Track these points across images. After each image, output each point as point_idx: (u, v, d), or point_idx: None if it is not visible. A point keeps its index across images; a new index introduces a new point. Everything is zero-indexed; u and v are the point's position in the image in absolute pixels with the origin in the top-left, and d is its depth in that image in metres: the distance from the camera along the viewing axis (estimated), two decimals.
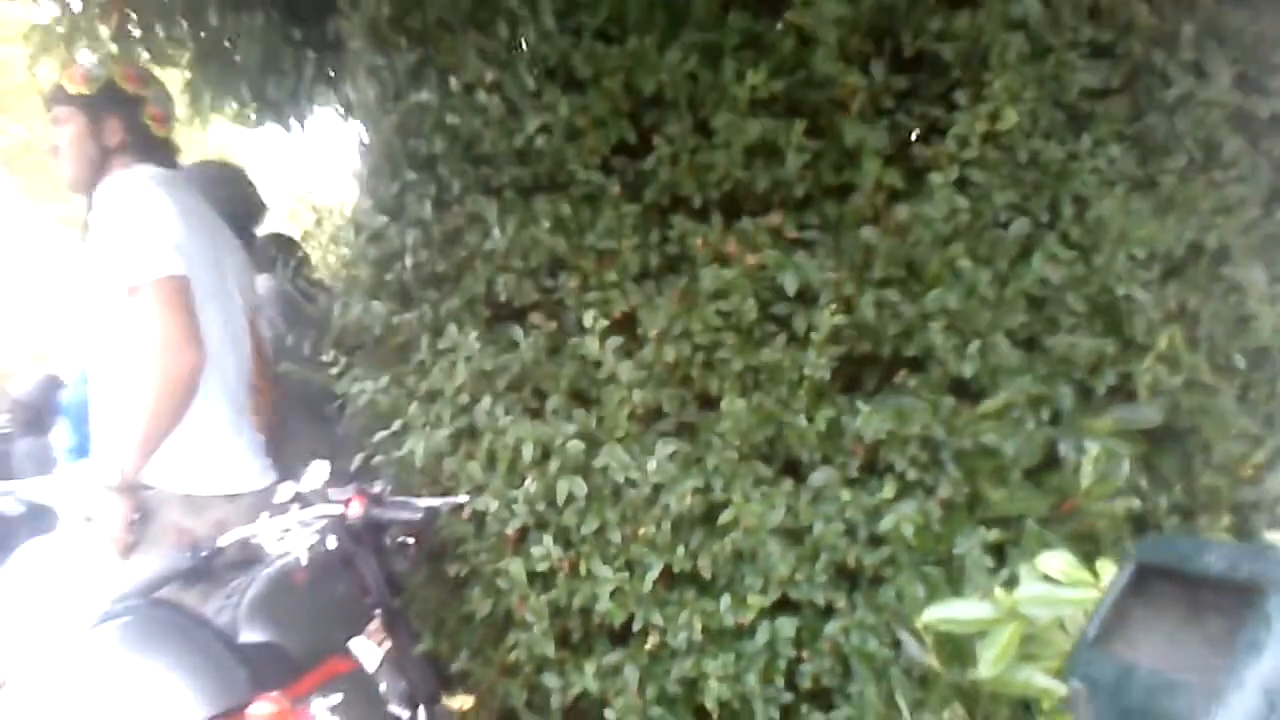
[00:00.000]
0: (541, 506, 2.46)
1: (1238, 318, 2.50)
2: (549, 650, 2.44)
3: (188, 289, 2.45)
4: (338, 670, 2.13)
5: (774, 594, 2.33)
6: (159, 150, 2.68)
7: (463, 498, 2.46)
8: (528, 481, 2.45)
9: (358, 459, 2.75)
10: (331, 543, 2.22)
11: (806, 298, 2.44)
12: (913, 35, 2.51)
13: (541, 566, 2.44)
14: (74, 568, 2.87)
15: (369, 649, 2.39)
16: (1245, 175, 2.57)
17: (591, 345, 2.43)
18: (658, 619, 2.38)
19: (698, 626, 2.34)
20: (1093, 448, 2.27)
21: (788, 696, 2.33)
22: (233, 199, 3.41)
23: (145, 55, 4.38)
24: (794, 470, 2.46)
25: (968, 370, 2.33)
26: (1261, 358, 2.53)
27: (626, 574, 2.40)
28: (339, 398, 2.83)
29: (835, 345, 2.37)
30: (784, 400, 2.40)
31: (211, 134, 5.77)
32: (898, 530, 2.26)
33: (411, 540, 2.44)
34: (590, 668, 2.42)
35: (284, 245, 3.72)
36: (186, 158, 3.02)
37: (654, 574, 2.37)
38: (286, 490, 2.37)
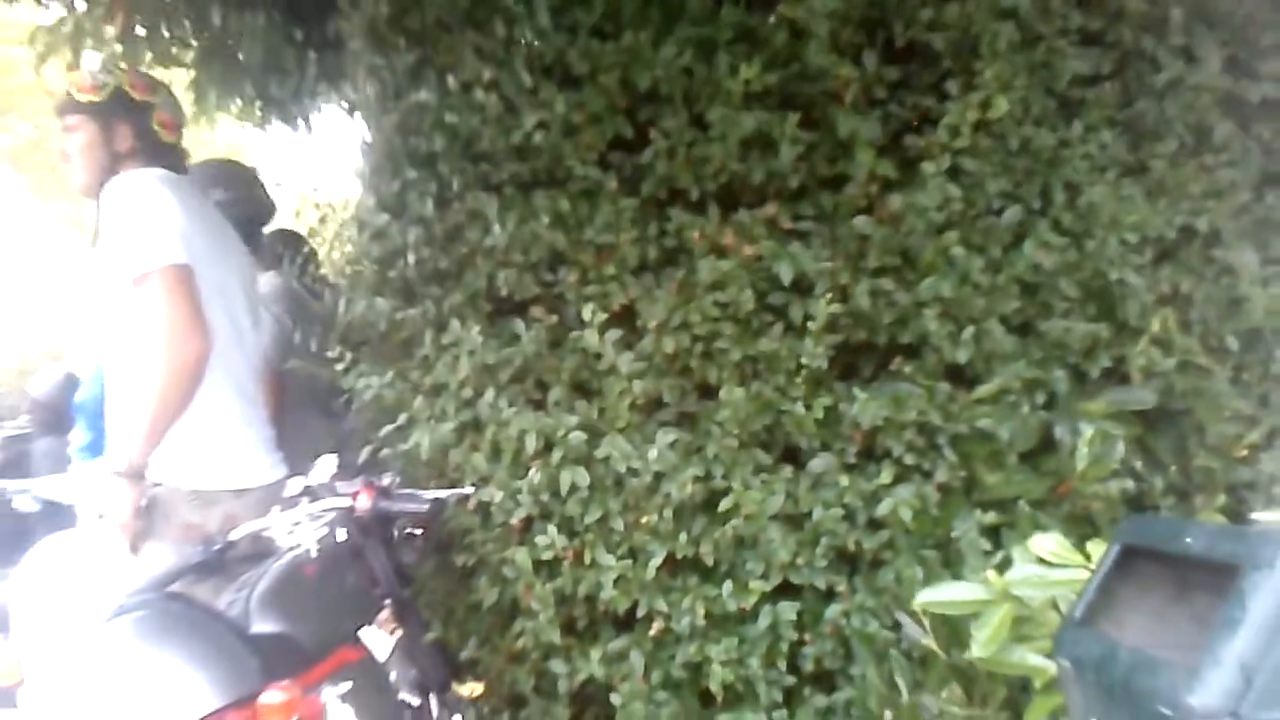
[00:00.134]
0: (545, 496, 2.48)
1: (1230, 300, 2.53)
2: (555, 637, 2.47)
3: (192, 278, 2.49)
4: (348, 659, 2.16)
5: (775, 579, 2.36)
6: (167, 155, 2.72)
7: (468, 489, 2.48)
8: (531, 472, 2.47)
9: (365, 452, 2.78)
10: (341, 535, 2.25)
11: (803, 287, 2.47)
12: (904, 26, 2.53)
13: (546, 555, 2.46)
14: (89, 564, 2.90)
15: (381, 638, 2.42)
16: (1236, 159, 2.59)
17: (592, 338, 2.45)
18: (661, 605, 2.40)
19: (701, 612, 2.36)
20: (1087, 430, 2.29)
21: (790, 679, 2.37)
22: (242, 199, 3.44)
23: (149, 55, 4.42)
24: (793, 457, 2.48)
25: (962, 356, 2.36)
26: (1254, 339, 2.55)
27: (630, 561, 2.43)
28: (345, 393, 2.87)
29: (832, 334, 2.39)
30: (782, 388, 2.42)
31: (219, 132, 5.80)
32: (896, 514, 2.29)
33: (419, 531, 2.47)
34: (596, 654, 2.45)
35: (290, 242, 3.74)
36: (195, 155, 3.05)
37: (657, 561, 2.40)
38: (295, 484, 2.41)
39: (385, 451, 2.73)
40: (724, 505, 2.36)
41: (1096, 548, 1.63)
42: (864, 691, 2.25)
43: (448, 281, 2.75)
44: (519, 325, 2.61)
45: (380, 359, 2.83)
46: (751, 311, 2.45)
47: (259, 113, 4.81)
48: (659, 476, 2.41)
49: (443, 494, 2.36)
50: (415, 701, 2.38)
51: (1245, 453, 2.48)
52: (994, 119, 2.39)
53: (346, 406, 3.11)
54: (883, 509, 2.31)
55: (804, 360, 2.37)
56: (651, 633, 2.44)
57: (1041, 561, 1.61)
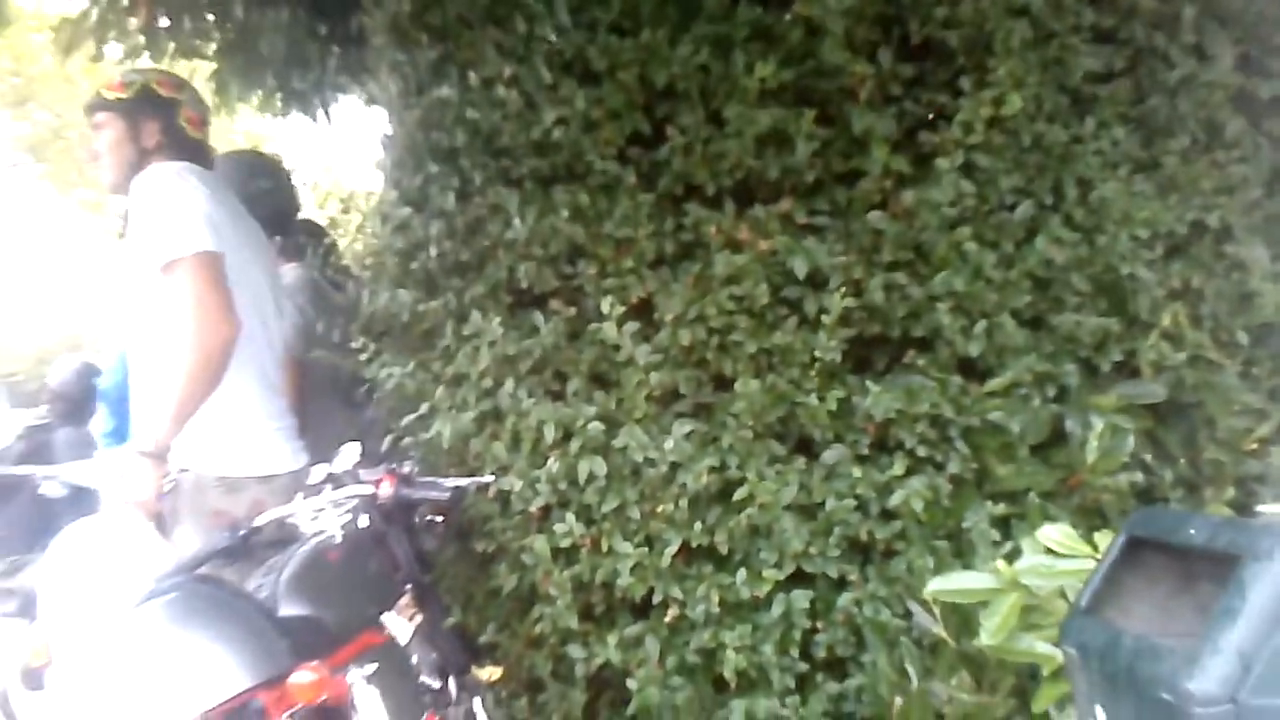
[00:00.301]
0: (564, 485, 2.50)
1: (1240, 295, 2.54)
2: (573, 623, 2.49)
3: (221, 265, 2.54)
4: (372, 642, 2.21)
5: (789, 567, 2.38)
6: (194, 150, 2.77)
7: (488, 478, 2.50)
8: (550, 461, 2.49)
9: (387, 441, 2.82)
10: (363, 521, 2.29)
11: (817, 281, 2.48)
12: (919, 23, 2.55)
13: (564, 543, 2.48)
14: (115, 548, 2.95)
15: (400, 624, 2.46)
16: (1247, 156, 2.61)
17: (610, 330, 2.47)
18: (677, 592, 2.42)
19: (715, 599, 2.38)
20: (1098, 423, 2.31)
21: (803, 666, 2.38)
22: (270, 191, 3.48)
23: (172, 47, 4.47)
24: (807, 448, 2.50)
25: (975, 350, 2.38)
26: (1264, 334, 2.57)
27: (646, 549, 2.44)
28: (366, 382, 2.90)
29: (845, 327, 2.41)
30: (796, 381, 2.44)
31: (238, 122, 5.85)
32: (908, 505, 2.31)
33: (440, 519, 2.50)
34: (612, 639, 2.47)
35: (312, 233, 3.77)
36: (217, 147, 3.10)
37: (672, 549, 2.42)
38: (319, 471, 2.43)
39: (407, 440, 2.76)
40: (739, 495, 2.37)
41: (1104, 539, 1.63)
42: (875, 678, 2.27)
43: (469, 274, 2.77)
44: (538, 317, 2.63)
45: (402, 349, 2.85)
46: (766, 305, 2.47)
47: (279, 104, 4.86)
48: (675, 466, 2.43)
49: (463, 482, 2.38)
50: (435, 684, 2.41)
51: (1255, 446, 2.48)
52: (1007, 115, 2.40)
53: (368, 396, 3.15)
54: (895, 500, 2.32)
55: (818, 353, 2.39)
56: (667, 619, 2.45)
57: (1050, 552, 1.63)
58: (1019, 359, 2.38)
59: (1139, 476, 2.34)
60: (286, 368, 2.99)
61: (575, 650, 2.52)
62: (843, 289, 2.37)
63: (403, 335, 2.89)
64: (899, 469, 2.35)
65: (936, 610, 1.97)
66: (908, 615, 2.26)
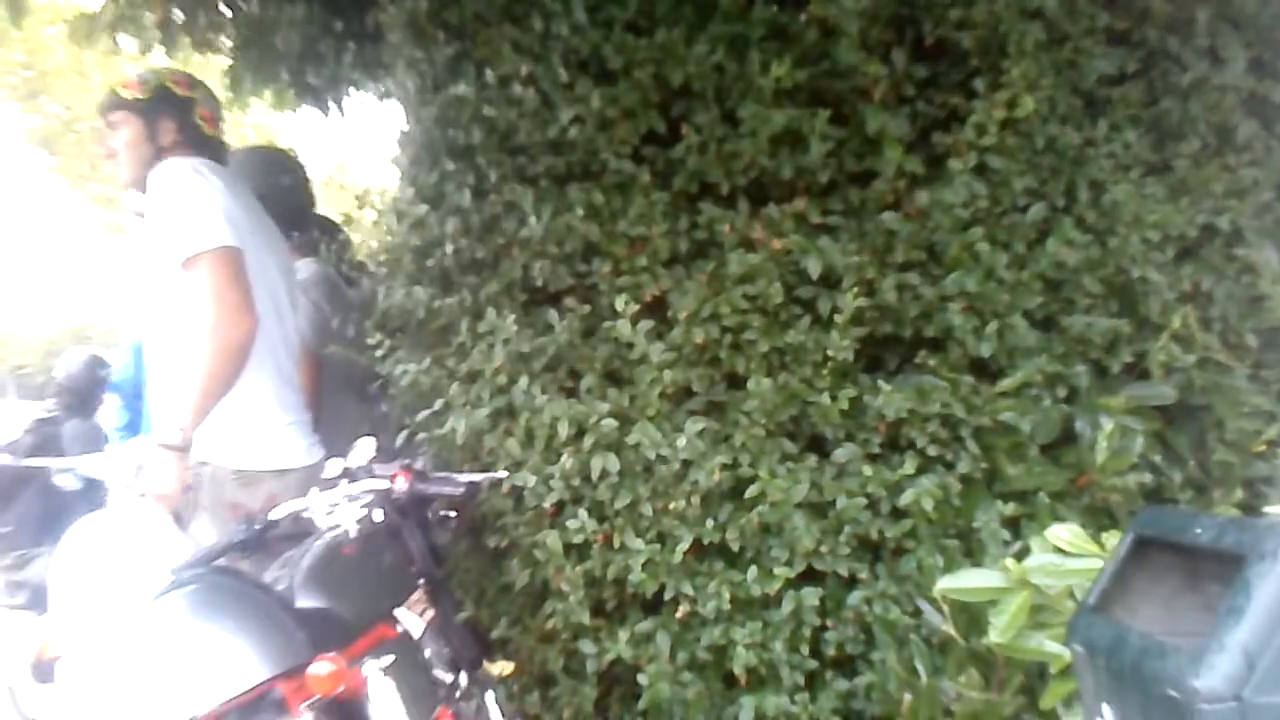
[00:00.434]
0: (577, 482, 2.52)
1: (1250, 298, 2.55)
2: (584, 618, 2.50)
3: (241, 259, 2.57)
4: (387, 636, 2.24)
5: (799, 565, 2.39)
6: (209, 147, 2.81)
7: (502, 473, 2.51)
8: (564, 458, 2.50)
9: (401, 436, 2.84)
10: (378, 516, 2.31)
11: (830, 281, 2.49)
12: (932, 25, 2.55)
13: (577, 539, 2.49)
14: (130, 541, 2.98)
15: (411, 619, 2.48)
16: (1258, 159, 2.61)
17: (624, 328, 2.48)
18: (688, 589, 2.43)
19: (726, 596, 2.39)
20: (1108, 424, 2.32)
21: (812, 663, 2.40)
22: (288, 186, 3.50)
23: (187, 41, 4.49)
24: (818, 446, 2.51)
25: (986, 350, 2.39)
26: (1273, 337, 2.57)
27: (658, 546, 2.45)
28: (380, 378, 2.92)
29: (858, 326, 2.42)
30: (808, 380, 2.45)
31: (248, 116, 5.87)
32: (918, 504, 2.31)
33: (453, 514, 2.53)
34: (624, 635, 2.48)
35: (325, 228, 3.79)
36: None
37: (684, 546, 2.43)
38: (335, 466, 2.46)
39: (421, 436, 2.77)
40: (750, 493, 2.38)
41: (1113, 538, 1.64)
42: (884, 676, 2.29)
43: (484, 271, 2.79)
44: (553, 315, 2.65)
45: (417, 346, 2.87)
46: (780, 304, 2.48)
47: (293, 99, 4.88)
48: (687, 464, 2.44)
49: (477, 478, 2.40)
50: (448, 678, 2.44)
51: (1263, 448, 2.48)
52: (1020, 117, 2.41)
53: (382, 391, 3.16)
54: (905, 499, 2.33)
55: (830, 352, 2.40)
56: (678, 615, 2.47)
57: (1059, 551, 1.63)
58: (1030, 360, 2.39)
59: (1148, 477, 2.35)
60: (302, 363, 3.01)
61: (587, 645, 2.54)
62: (855, 289, 2.38)
63: (418, 332, 2.91)
64: (910, 468, 2.36)
65: (946, 608, 1.96)
66: (917, 613, 2.28)
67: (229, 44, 4.63)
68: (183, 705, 1.81)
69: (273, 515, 2.29)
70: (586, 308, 2.66)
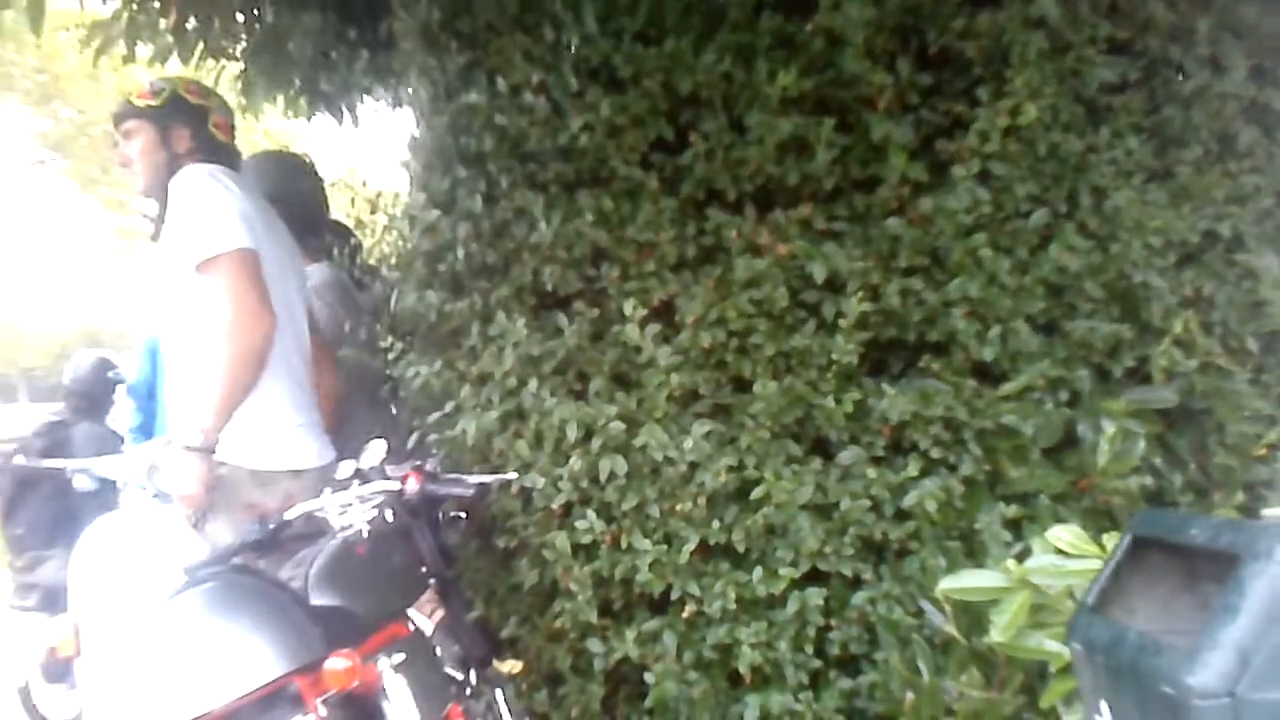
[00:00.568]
0: (585, 483, 2.54)
1: (1251, 303, 2.56)
2: (592, 618, 2.53)
3: (258, 261, 2.61)
4: (399, 633, 2.26)
5: (804, 566, 2.41)
6: (223, 154, 2.84)
7: (511, 475, 2.53)
8: (572, 460, 2.53)
9: (412, 438, 2.86)
10: (390, 516, 2.33)
11: (835, 286, 2.51)
12: (937, 34, 2.58)
13: (585, 539, 2.52)
14: (147, 541, 3.00)
15: (420, 621, 2.50)
16: (1259, 166, 2.63)
17: (632, 332, 2.52)
18: (694, 589, 2.46)
19: (732, 596, 2.41)
20: (1109, 428, 2.33)
21: (816, 662, 2.42)
22: (304, 191, 3.53)
23: (200, 47, 4.53)
24: (823, 449, 2.53)
25: (989, 354, 2.41)
26: (1274, 342, 2.59)
27: (665, 546, 2.48)
28: (389, 380, 2.94)
29: (862, 331, 2.45)
30: (813, 383, 2.48)
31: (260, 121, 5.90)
32: (921, 506, 2.34)
33: (463, 515, 2.54)
34: (631, 634, 2.51)
35: (338, 233, 3.82)
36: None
37: (690, 547, 2.45)
38: (347, 467, 2.47)
39: (431, 437, 2.80)
40: (756, 494, 2.41)
41: (1112, 540, 1.65)
42: (887, 675, 2.31)
43: (495, 276, 2.82)
44: (562, 319, 2.67)
45: (429, 349, 2.90)
46: (785, 308, 2.50)
47: (305, 106, 4.91)
48: (694, 466, 2.47)
49: (487, 479, 2.40)
50: (458, 676, 2.46)
51: (1263, 452, 2.49)
52: (1023, 125, 2.43)
53: (392, 394, 3.19)
54: (909, 500, 2.35)
55: (835, 356, 2.43)
56: (684, 615, 2.49)
57: (1059, 552, 1.65)
58: (1032, 364, 2.41)
59: (1149, 480, 2.36)
60: (321, 365, 3.04)
61: (594, 644, 2.56)
62: (860, 293, 2.40)
63: (429, 335, 2.94)
64: (913, 470, 2.38)
65: (948, 608, 1.98)
66: (920, 613, 2.30)
67: (242, 50, 4.67)
68: (201, 699, 1.83)
69: (287, 515, 2.31)
70: (595, 312, 2.68)
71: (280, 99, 4.90)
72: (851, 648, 2.41)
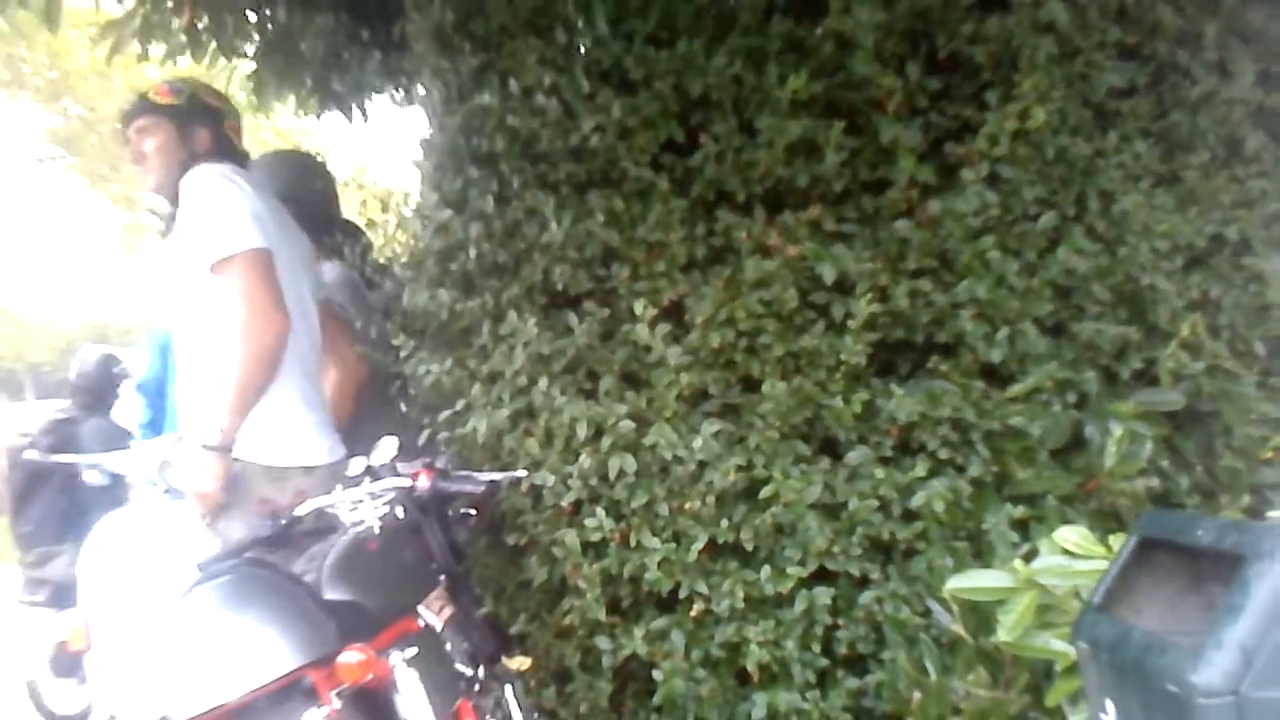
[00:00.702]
0: (594, 481, 2.56)
1: (1258, 307, 2.56)
2: (601, 615, 2.54)
3: (272, 260, 2.63)
4: (410, 629, 2.27)
5: (812, 565, 2.42)
6: (235, 155, 2.87)
7: (521, 473, 2.54)
8: (582, 458, 2.55)
9: (423, 436, 2.88)
10: (400, 513, 2.34)
11: (844, 287, 2.52)
12: (946, 38, 2.58)
13: (594, 537, 2.54)
14: (159, 537, 3.02)
15: (429, 618, 2.52)
16: (1266, 170, 2.63)
17: (642, 331, 2.53)
18: (703, 587, 2.47)
19: (740, 595, 2.42)
20: (1117, 430, 2.33)
21: (824, 661, 2.43)
22: (317, 192, 3.55)
23: (213, 46, 4.55)
24: (831, 449, 2.55)
25: (997, 356, 2.42)
26: None
27: (673, 545, 2.49)
28: (399, 378, 2.95)
29: (871, 332, 2.45)
30: (822, 383, 2.48)
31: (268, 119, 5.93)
32: (929, 506, 2.35)
33: (473, 512, 2.56)
34: (639, 632, 2.52)
35: (349, 232, 3.84)
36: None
37: (699, 545, 2.46)
38: (358, 464, 2.48)
39: (442, 435, 2.82)
40: (764, 494, 2.42)
41: (1119, 541, 1.66)
42: (894, 674, 2.31)
43: (506, 275, 2.83)
44: (572, 318, 2.68)
45: (440, 348, 2.91)
46: (794, 309, 2.51)
47: (316, 105, 4.93)
48: (703, 464, 2.48)
49: (497, 476, 2.42)
50: (468, 672, 2.48)
51: (1270, 454, 2.49)
52: (1032, 128, 2.44)
53: (402, 392, 3.20)
54: (916, 501, 2.36)
55: (844, 357, 2.43)
56: (692, 613, 2.50)
57: (1066, 552, 1.66)
58: (1040, 365, 2.41)
59: (1156, 482, 2.36)
60: (337, 364, 3.06)
61: (603, 642, 2.58)
62: (869, 295, 2.41)
63: (440, 334, 2.95)
64: (921, 471, 2.39)
65: (955, 608, 1.99)
66: (927, 613, 2.31)
67: (254, 49, 4.69)
68: (217, 691, 1.86)
69: (299, 511, 2.33)
70: (605, 311, 2.69)
71: (292, 98, 4.92)
72: (859, 647, 2.42)
